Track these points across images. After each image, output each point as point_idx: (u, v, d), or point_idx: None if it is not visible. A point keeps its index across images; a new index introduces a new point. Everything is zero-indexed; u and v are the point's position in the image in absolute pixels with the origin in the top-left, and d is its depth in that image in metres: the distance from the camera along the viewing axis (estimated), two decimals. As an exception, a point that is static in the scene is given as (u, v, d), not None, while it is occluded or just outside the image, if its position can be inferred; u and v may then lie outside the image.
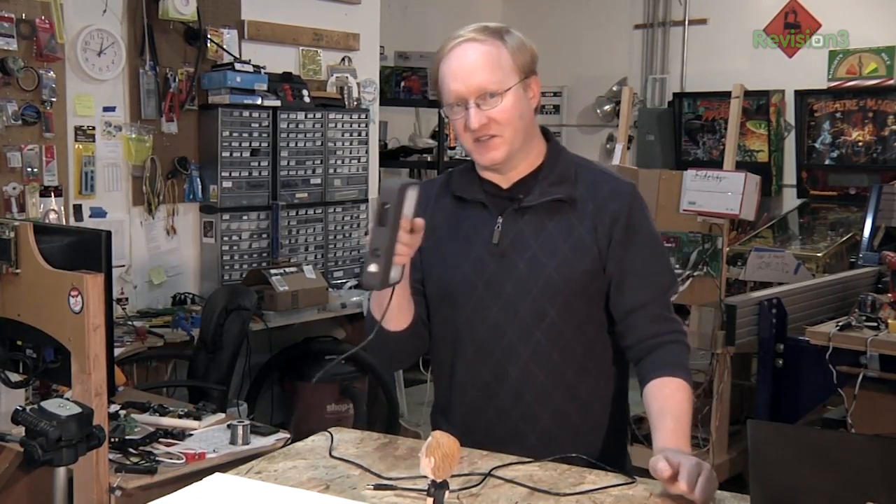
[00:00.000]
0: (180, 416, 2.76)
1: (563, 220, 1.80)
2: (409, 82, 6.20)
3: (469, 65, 1.74)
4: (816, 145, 6.45)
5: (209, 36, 4.53)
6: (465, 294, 1.83)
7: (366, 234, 5.19)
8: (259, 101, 4.59)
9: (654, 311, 1.80)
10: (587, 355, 1.83)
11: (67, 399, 1.91)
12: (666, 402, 1.73)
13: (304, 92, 4.87)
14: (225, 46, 4.61)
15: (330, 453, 1.77)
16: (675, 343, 1.81)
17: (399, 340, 1.82)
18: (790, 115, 6.59)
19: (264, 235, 4.73)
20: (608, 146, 7.21)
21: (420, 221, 1.60)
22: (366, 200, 5.21)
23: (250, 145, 4.62)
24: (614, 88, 7.34)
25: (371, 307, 1.80)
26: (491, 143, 1.76)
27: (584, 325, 1.82)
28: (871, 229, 5.05)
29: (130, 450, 2.46)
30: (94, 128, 4.17)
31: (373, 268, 1.46)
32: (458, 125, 1.78)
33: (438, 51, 1.80)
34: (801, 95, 6.45)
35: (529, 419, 1.83)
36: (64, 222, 3.97)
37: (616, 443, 1.93)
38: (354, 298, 4.71)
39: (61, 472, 2.02)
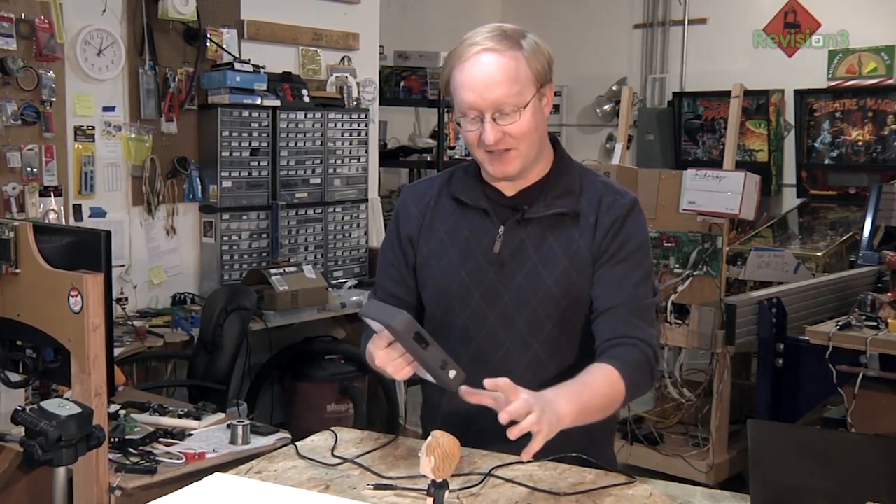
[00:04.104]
0: (180, 416, 2.76)
1: (564, 233, 1.79)
2: (408, 82, 6.20)
3: (487, 78, 1.70)
4: (816, 145, 6.45)
5: (209, 36, 4.53)
6: (462, 301, 1.81)
7: (365, 233, 5.20)
8: (259, 101, 4.59)
9: (624, 315, 1.75)
10: (581, 366, 1.79)
11: (67, 399, 1.91)
12: (585, 374, 1.66)
13: (304, 92, 4.87)
14: (224, 46, 4.61)
15: (332, 452, 1.77)
16: (633, 346, 1.73)
17: None
18: (790, 115, 6.59)
19: (264, 235, 4.73)
20: (608, 146, 7.21)
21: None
22: (365, 200, 5.21)
23: (250, 145, 4.62)
24: (614, 88, 7.34)
25: (371, 361, 1.76)
26: (506, 156, 1.74)
27: (579, 336, 1.81)
28: (871, 229, 5.05)
29: (130, 450, 2.46)
30: (93, 128, 4.17)
31: (453, 373, 1.57)
32: (472, 137, 1.74)
33: (451, 54, 1.75)
34: (800, 95, 6.45)
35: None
36: (63, 222, 3.97)
37: (603, 446, 1.91)
38: (354, 298, 4.71)
39: (61, 472, 2.01)
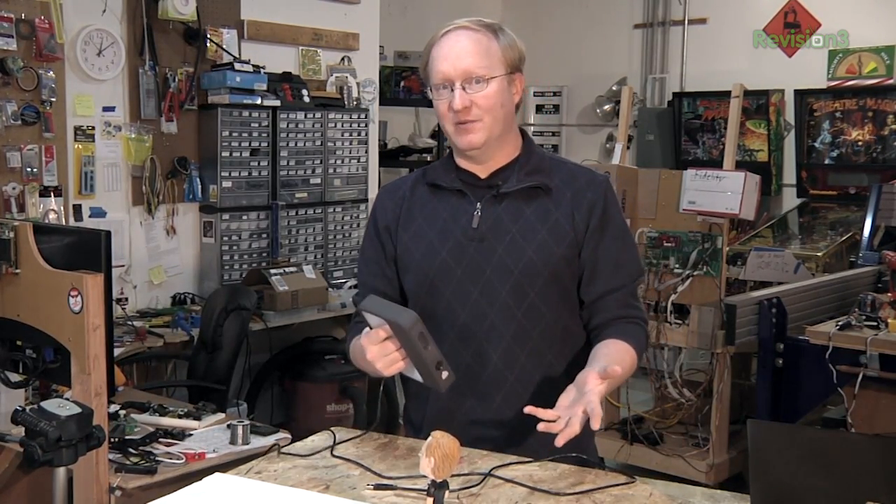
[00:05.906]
0: (180, 416, 2.76)
1: (540, 205, 1.86)
2: (408, 82, 6.20)
3: (459, 49, 1.81)
4: (816, 145, 6.45)
5: (209, 36, 4.53)
6: (444, 280, 1.86)
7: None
8: (259, 101, 4.59)
9: (622, 297, 1.88)
10: (563, 337, 1.88)
11: (67, 399, 1.91)
12: (608, 349, 1.79)
13: (304, 92, 4.87)
14: (224, 46, 4.61)
15: (332, 452, 1.77)
16: (635, 324, 1.88)
17: None
18: (790, 115, 6.58)
19: (264, 235, 4.73)
20: (608, 146, 7.20)
21: None
22: (365, 200, 5.21)
23: (250, 145, 4.62)
24: (614, 88, 7.33)
25: (355, 357, 1.85)
26: (471, 126, 1.82)
27: (560, 307, 1.88)
28: (871, 229, 5.05)
29: (130, 450, 2.46)
30: (93, 128, 4.17)
31: (445, 374, 1.62)
32: (442, 106, 1.84)
33: (431, 38, 1.86)
34: (800, 95, 6.44)
35: (512, 401, 1.85)
36: (63, 222, 3.97)
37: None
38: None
39: (61, 472, 2.01)
